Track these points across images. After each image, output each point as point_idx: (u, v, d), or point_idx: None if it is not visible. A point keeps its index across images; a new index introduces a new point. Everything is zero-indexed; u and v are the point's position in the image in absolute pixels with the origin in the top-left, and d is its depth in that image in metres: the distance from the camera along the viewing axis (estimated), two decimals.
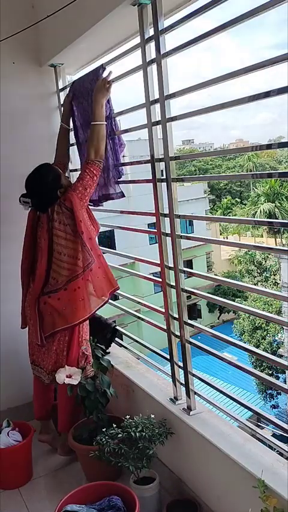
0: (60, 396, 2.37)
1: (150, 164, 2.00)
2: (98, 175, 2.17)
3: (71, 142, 2.79)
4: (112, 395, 2.24)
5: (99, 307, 2.21)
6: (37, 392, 2.48)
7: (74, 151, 2.75)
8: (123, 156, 2.35)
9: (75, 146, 2.67)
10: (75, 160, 2.79)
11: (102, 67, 2.26)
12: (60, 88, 2.82)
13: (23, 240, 2.34)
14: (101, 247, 2.51)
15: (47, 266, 2.18)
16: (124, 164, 2.35)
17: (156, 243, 2.07)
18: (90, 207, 2.32)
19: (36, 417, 2.49)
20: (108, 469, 2.03)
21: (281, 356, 12.70)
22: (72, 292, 2.15)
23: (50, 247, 2.17)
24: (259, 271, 18.27)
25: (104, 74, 2.18)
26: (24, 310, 2.38)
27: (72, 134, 2.64)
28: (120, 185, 2.35)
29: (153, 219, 2.06)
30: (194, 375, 2.02)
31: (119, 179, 2.33)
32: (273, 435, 5.80)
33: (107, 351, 2.53)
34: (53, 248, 2.17)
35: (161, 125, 1.89)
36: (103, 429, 2.02)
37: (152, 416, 2.01)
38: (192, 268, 7.54)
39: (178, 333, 2.04)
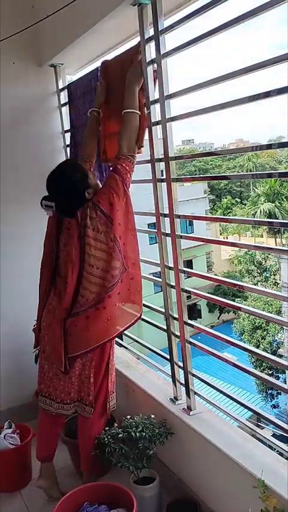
0: (81, 431, 2.11)
1: (150, 164, 2.00)
2: (131, 172, 1.90)
3: (67, 143, 2.80)
4: None
5: (130, 325, 1.99)
6: (43, 428, 2.16)
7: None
8: None
9: (64, 150, 2.69)
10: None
11: (97, 70, 2.29)
12: (60, 88, 2.82)
13: (42, 250, 2.11)
14: None
15: (77, 282, 1.89)
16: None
17: (156, 243, 2.07)
18: None
19: (39, 457, 2.17)
20: (100, 463, 2.04)
21: (281, 356, 12.69)
22: (101, 310, 1.87)
23: (82, 259, 1.86)
24: (259, 271, 18.27)
25: (139, 58, 1.92)
26: (40, 329, 2.09)
27: (61, 138, 2.66)
28: None
29: (153, 219, 2.06)
30: (194, 375, 2.02)
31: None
32: (273, 435, 5.80)
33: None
34: (84, 260, 1.85)
35: (161, 125, 1.89)
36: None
37: (152, 416, 2.01)
38: (192, 268, 7.52)
39: (178, 333, 2.04)
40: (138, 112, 1.89)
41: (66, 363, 1.91)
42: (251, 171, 26.35)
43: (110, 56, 2.30)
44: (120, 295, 1.90)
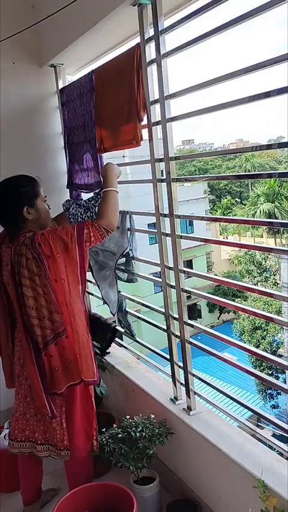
0: (71, 475, 2.04)
1: (150, 164, 2.01)
2: (92, 244, 1.76)
3: (61, 145, 2.83)
4: (103, 394, 2.23)
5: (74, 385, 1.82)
6: (26, 472, 2.06)
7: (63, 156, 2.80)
8: (123, 156, 2.35)
9: (64, 150, 2.75)
10: (63, 162, 2.84)
11: (93, 72, 2.33)
12: (60, 88, 2.82)
13: None
14: (100, 247, 2.51)
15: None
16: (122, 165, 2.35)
17: (156, 243, 2.07)
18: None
19: (26, 501, 2.08)
20: (100, 464, 2.05)
21: (280, 356, 12.70)
22: (61, 350, 1.76)
23: (19, 298, 1.75)
24: (259, 272, 18.26)
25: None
26: (11, 366, 2.00)
27: (61, 137, 2.69)
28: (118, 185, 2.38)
29: (153, 219, 2.06)
30: (194, 375, 2.02)
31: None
32: (273, 435, 5.80)
33: (107, 351, 2.53)
34: (22, 298, 1.73)
35: (161, 125, 1.89)
36: (103, 429, 2.02)
37: (152, 416, 2.01)
38: (192, 268, 7.53)
39: (178, 333, 2.04)
40: (117, 190, 1.89)
41: (51, 405, 1.79)
42: (249, 171, 26.37)
43: (110, 57, 2.30)
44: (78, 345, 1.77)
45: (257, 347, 13.36)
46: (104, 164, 2.00)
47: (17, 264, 1.71)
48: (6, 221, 1.84)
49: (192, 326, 2.01)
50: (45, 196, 1.93)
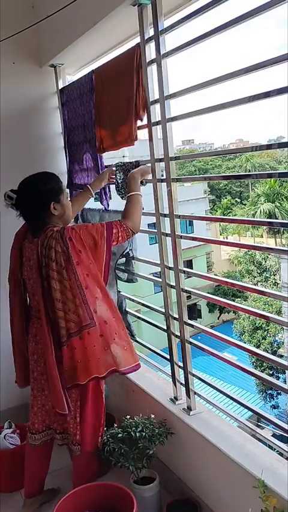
0: (76, 474, 2.04)
1: (150, 164, 2.01)
2: (119, 243, 1.84)
3: (61, 145, 2.84)
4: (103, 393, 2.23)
5: (108, 375, 1.79)
6: (33, 463, 2.08)
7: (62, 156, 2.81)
8: (123, 156, 2.35)
9: (64, 150, 2.77)
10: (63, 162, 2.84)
11: (93, 72, 2.34)
12: (60, 88, 2.82)
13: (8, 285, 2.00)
14: None
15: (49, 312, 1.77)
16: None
17: (156, 243, 2.07)
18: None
19: (28, 494, 2.09)
20: (100, 464, 2.04)
21: (281, 356, 12.69)
22: (85, 343, 1.73)
23: (46, 292, 1.75)
24: (259, 272, 18.26)
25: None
26: (25, 364, 2.03)
27: (61, 137, 2.70)
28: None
29: (153, 219, 2.06)
30: (194, 375, 2.02)
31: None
32: (273, 435, 5.80)
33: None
34: (49, 292, 1.74)
35: (161, 125, 1.89)
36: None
37: (152, 416, 2.01)
38: (192, 268, 7.53)
39: (178, 333, 2.04)
40: (141, 193, 1.98)
41: (69, 402, 1.78)
42: (249, 171, 26.37)
43: (109, 57, 2.31)
44: (102, 338, 1.75)
45: (258, 347, 13.35)
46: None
47: (45, 258, 1.72)
48: (32, 217, 1.86)
49: (192, 326, 2.01)
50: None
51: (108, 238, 1.77)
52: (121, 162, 2.20)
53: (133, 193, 1.96)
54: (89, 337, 1.72)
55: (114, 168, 2.25)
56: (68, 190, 2.83)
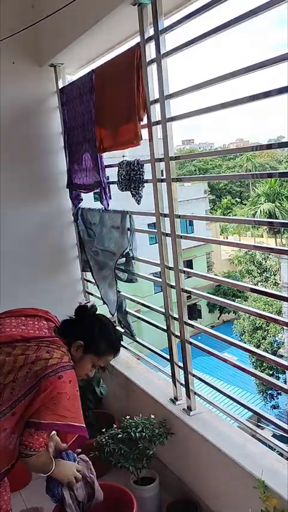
0: None
1: (150, 164, 2.00)
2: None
3: (61, 145, 2.86)
4: (103, 394, 2.23)
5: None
6: None
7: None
8: (123, 156, 2.36)
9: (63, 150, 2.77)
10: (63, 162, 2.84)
11: (93, 71, 2.34)
12: (60, 87, 2.82)
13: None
14: (100, 247, 2.51)
15: None
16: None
17: (156, 243, 2.07)
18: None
19: None
20: (100, 464, 2.02)
21: (281, 356, 12.69)
22: None
23: None
24: (259, 272, 18.25)
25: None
26: None
27: (61, 137, 2.72)
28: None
29: (153, 219, 2.06)
30: (194, 375, 2.02)
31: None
32: (274, 435, 5.80)
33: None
34: None
35: (161, 125, 1.89)
36: (103, 429, 2.02)
37: (152, 416, 2.01)
38: (192, 268, 7.54)
39: (178, 333, 2.04)
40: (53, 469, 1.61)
41: None
42: (250, 171, 26.37)
43: (109, 56, 2.30)
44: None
45: (258, 347, 13.34)
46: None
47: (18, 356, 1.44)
48: (73, 330, 1.62)
49: (192, 326, 2.00)
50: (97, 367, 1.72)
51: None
52: (125, 160, 2.21)
53: (52, 469, 1.60)
54: None
55: (118, 165, 2.27)
56: (67, 191, 2.84)
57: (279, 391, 11.37)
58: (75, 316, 1.67)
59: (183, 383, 2.04)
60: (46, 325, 1.62)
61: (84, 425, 1.49)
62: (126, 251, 2.32)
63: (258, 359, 12.08)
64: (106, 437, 1.97)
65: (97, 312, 1.70)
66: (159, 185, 1.98)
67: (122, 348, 2.75)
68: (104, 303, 2.58)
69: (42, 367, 1.40)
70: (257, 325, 14.27)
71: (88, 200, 2.85)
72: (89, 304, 1.69)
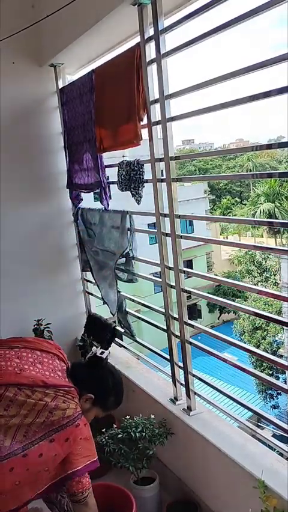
0: None
1: (150, 164, 2.00)
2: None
3: (61, 145, 2.86)
4: None
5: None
6: None
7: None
8: (123, 156, 2.36)
9: (64, 150, 2.78)
10: (63, 162, 2.85)
11: (93, 71, 2.34)
12: (60, 87, 2.82)
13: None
14: (100, 247, 2.51)
15: None
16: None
17: (156, 243, 2.07)
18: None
19: None
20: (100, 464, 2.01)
21: (281, 356, 12.70)
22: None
23: None
24: (259, 272, 18.25)
25: None
26: None
27: (61, 137, 2.75)
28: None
29: (153, 219, 2.06)
30: (194, 375, 2.02)
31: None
32: (274, 435, 5.80)
33: (107, 351, 2.52)
34: None
35: (161, 125, 1.89)
36: (103, 429, 2.02)
37: (152, 416, 2.01)
38: (192, 268, 7.53)
39: (178, 333, 2.04)
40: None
41: None
42: (250, 171, 26.36)
43: (109, 56, 2.30)
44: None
45: (257, 347, 13.34)
46: None
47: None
48: (84, 377, 1.64)
49: (192, 326, 2.00)
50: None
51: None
52: (125, 160, 2.21)
53: None
54: None
55: (118, 165, 2.27)
56: (67, 191, 2.84)
57: (279, 391, 11.38)
58: (88, 364, 1.70)
59: (183, 383, 2.04)
60: (59, 366, 1.63)
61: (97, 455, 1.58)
62: (126, 251, 2.33)
63: (258, 359, 12.08)
64: (106, 437, 1.96)
65: (108, 362, 1.72)
66: (159, 185, 1.98)
67: (122, 348, 2.77)
68: (105, 303, 2.58)
69: (59, 417, 1.46)
70: (256, 325, 14.28)
71: (88, 200, 2.85)
72: (104, 356, 1.69)
